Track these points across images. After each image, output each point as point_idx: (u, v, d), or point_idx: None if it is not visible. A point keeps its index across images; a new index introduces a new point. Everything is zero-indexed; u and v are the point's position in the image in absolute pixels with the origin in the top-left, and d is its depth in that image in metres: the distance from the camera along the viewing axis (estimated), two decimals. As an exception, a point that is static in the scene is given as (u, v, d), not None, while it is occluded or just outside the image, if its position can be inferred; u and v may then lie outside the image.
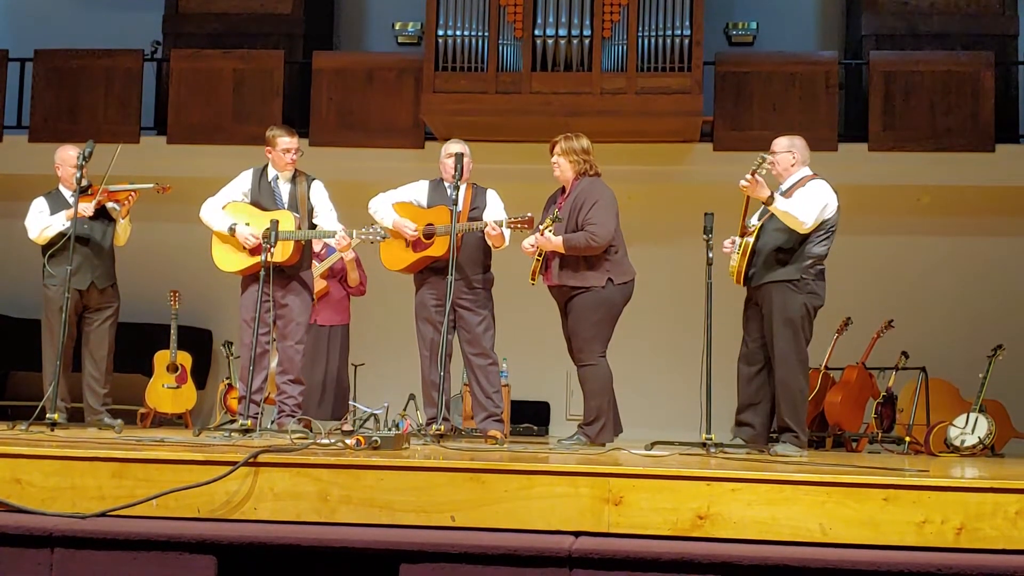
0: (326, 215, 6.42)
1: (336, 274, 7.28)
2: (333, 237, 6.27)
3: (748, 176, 5.67)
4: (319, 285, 7.20)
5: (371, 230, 6.26)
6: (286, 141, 6.38)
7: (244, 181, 6.48)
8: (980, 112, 9.49)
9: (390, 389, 8.00)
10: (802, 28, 10.89)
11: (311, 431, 5.52)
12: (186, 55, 10.20)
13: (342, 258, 7.13)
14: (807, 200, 5.78)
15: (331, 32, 11.25)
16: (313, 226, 6.39)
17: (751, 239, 5.86)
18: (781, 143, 6.08)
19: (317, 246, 7.23)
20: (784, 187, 5.96)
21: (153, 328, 9.41)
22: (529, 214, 6.06)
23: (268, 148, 6.41)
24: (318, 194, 6.46)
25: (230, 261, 6.37)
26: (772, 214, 5.82)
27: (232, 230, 6.27)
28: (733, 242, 6.02)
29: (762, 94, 9.71)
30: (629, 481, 3.86)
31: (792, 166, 5.98)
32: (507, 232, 6.14)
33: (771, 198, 5.70)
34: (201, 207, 6.42)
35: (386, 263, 6.58)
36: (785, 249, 5.83)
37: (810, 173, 5.98)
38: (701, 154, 9.82)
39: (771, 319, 5.84)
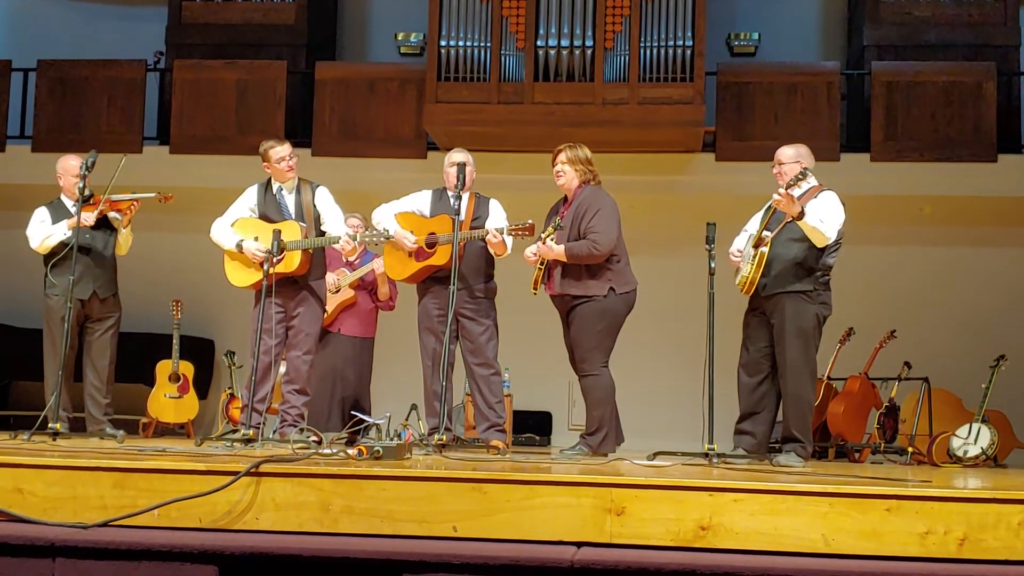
0: (333, 221, 6.42)
1: (367, 286, 7.24)
2: (337, 243, 6.27)
3: (783, 191, 5.61)
4: (347, 295, 7.19)
5: (373, 233, 6.27)
6: (278, 151, 6.39)
7: (250, 197, 6.51)
8: (982, 122, 9.50)
9: (392, 399, 7.99)
10: (804, 39, 10.90)
11: (320, 441, 5.51)
12: (189, 65, 10.22)
13: (374, 270, 7.10)
14: (827, 214, 5.75)
15: (334, 42, 11.27)
16: (322, 233, 6.40)
17: (765, 250, 5.80)
18: (787, 153, 6.03)
19: (352, 255, 7.22)
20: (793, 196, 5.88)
21: (155, 338, 9.41)
22: (530, 221, 6.07)
23: (265, 164, 6.42)
24: (324, 201, 6.47)
25: (241, 276, 6.41)
26: (785, 225, 5.79)
27: (239, 247, 6.29)
28: (740, 251, 6.00)
29: (764, 104, 9.71)
30: (631, 491, 3.85)
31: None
32: (509, 240, 6.14)
33: (801, 213, 5.64)
34: (211, 227, 6.44)
35: (390, 272, 6.60)
36: (800, 261, 5.80)
37: (816, 183, 5.95)
38: (703, 164, 9.83)
39: (783, 329, 5.81)
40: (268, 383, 6.27)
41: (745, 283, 5.86)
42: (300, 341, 6.39)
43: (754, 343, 6.00)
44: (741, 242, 6.10)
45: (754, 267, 5.80)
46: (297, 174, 6.49)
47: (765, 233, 5.84)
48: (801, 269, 5.80)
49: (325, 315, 7.12)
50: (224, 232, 6.41)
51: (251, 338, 6.33)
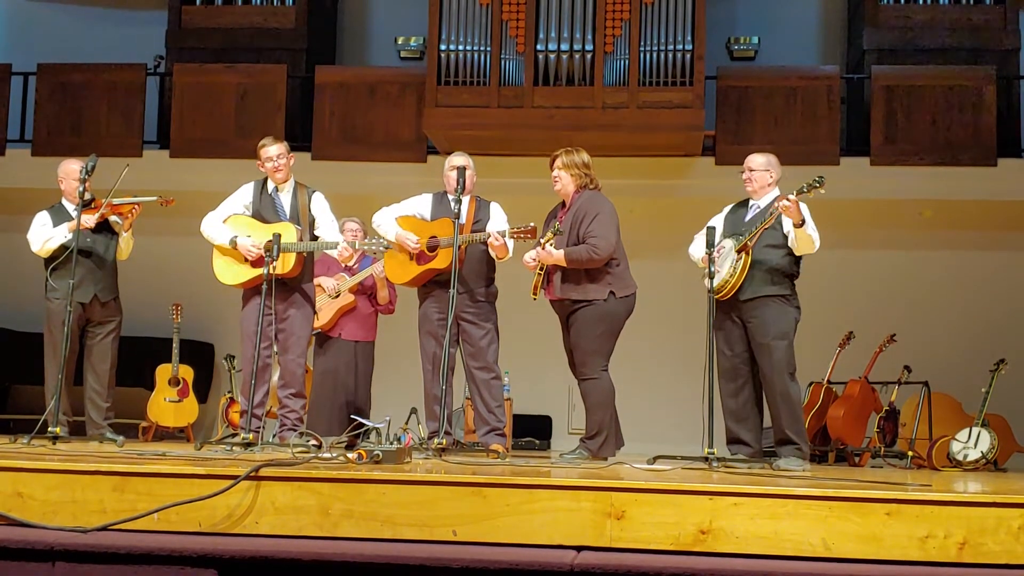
0: (327, 227, 6.42)
1: (366, 290, 7.23)
2: (335, 249, 6.27)
3: (792, 197, 5.63)
4: (347, 299, 7.18)
5: (373, 242, 6.26)
6: (268, 150, 6.37)
7: (245, 194, 6.49)
8: (982, 126, 9.51)
9: (392, 403, 7.99)
10: (804, 43, 10.92)
11: (320, 445, 5.51)
12: (189, 69, 10.24)
13: (373, 274, 7.09)
14: (810, 223, 5.80)
15: (334, 46, 11.28)
16: (315, 238, 6.39)
17: (747, 256, 5.84)
18: (758, 161, 6.08)
19: (350, 261, 7.21)
20: (762, 204, 5.98)
21: (155, 342, 9.42)
22: (532, 224, 6.07)
23: (259, 162, 6.42)
24: (319, 206, 6.46)
25: (231, 274, 6.36)
26: (763, 232, 5.82)
27: (233, 243, 6.27)
28: (719, 251, 5.97)
29: (764, 108, 9.73)
30: (631, 495, 3.85)
31: (769, 185, 6.01)
32: (510, 242, 6.14)
33: (803, 221, 5.69)
34: (202, 221, 6.42)
35: (391, 276, 6.60)
36: (779, 266, 5.87)
37: (779, 193, 5.99)
38: (703, 168, 9.84)
39: (766, 332, 5.83)
40: (264, 385, 6.25)
41: (726, 287, 5.86)
42: (292, 344, 6.38)
43: (732, 349, 5.99)
44: (701, 245, 6.02)
45: (738, 272, 5.83)
46: (291, 177, 6.46)
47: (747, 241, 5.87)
48: (779, 274, 5.88)
49: (328, 321, 7.12)
50: (216, 227, 6.37)
51: (242, 339, 6.32)
